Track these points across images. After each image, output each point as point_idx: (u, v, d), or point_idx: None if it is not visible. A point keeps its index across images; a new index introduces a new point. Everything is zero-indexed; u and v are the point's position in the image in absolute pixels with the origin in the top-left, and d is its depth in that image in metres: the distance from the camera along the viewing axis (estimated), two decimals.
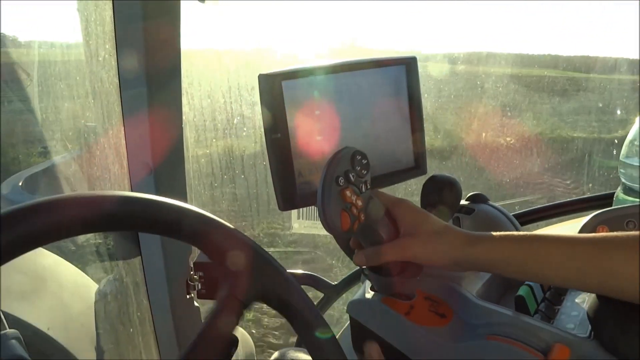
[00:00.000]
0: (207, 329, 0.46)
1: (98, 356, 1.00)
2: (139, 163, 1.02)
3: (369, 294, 0.68)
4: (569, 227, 1.11)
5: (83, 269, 1.10)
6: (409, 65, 0.70)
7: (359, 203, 0.57)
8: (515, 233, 0.59)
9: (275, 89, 0.59)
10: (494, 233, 0.59)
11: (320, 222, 0.57)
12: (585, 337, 0.58)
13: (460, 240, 0.59)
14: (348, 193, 0.56)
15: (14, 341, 0.66)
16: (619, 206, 0.88)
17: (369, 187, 0.60)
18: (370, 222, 0.60)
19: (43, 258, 0.99)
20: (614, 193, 1.17)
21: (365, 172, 0.59)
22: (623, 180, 1.14)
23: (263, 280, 0.48)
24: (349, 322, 0.73)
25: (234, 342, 0.51)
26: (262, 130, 0.63)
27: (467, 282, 0.69)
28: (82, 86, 1.02)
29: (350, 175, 0.56)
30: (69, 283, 1.10)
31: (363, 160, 0.58)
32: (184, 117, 1.04)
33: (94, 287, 1.14)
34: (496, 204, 0.89)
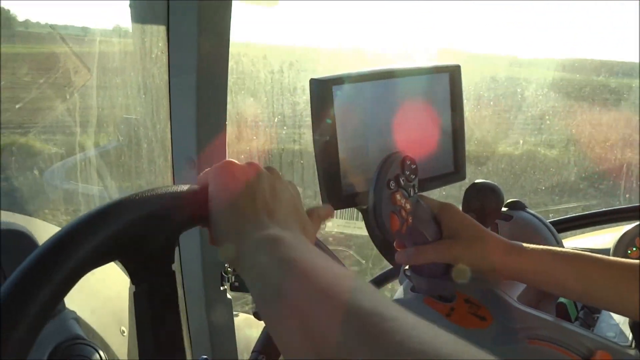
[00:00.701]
0: None
1: (129, 343, 1.03)
2: (184, 158, 1.06)
3: (410, 295, 0.70)
4: (605, 237, 1.10)
5: None
6: (452, 73, 0.72)
7: (408, 206, 0.59)
8: (556, 248, 0.60)
9: (325, 93, 0.61)
10: (535, 246, 0.60)
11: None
12: (627, 346, 0.59)
13: (501, 248, 0.60)
14: (398, 196, 0.58)
15: (72, 320, 0.71)
16: None
17: (416, 191, 0.62)
18: (417, 224, 0.62)
19: None
20: None
21: (414, 176, 0.61)
22: None
23: None
24: None
25: None
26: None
27: (507, 286, 0.70)
28: (135, 81, 1.06)
29: (401, 180, 0.59)
30: (99, 269, 1.13)
31: (412, 165, 0.61)
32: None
33: (124, 274, 1.17)
34: (534, 211, 0.89)
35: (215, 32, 0.95)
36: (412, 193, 0.61)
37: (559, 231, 0.93)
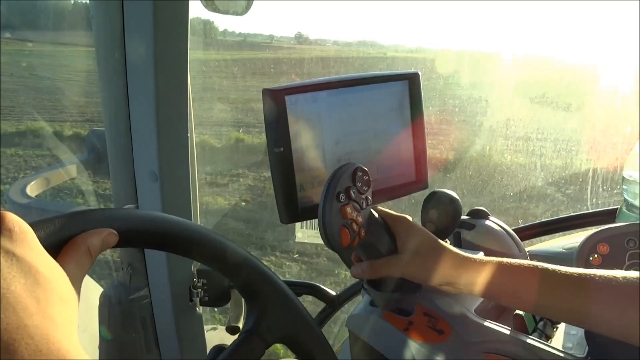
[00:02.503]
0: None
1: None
2: (145, 170, 1.03)
3: (369, 309, 0.69)
4: (570, 242, 1.11)
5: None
6: (411, 80, 0.71)
7: (360, 219, 0.57)
8: (511, 260, 0.59)
9: (278, 103, 0.60)
10: (489, 258, 0.59)
11: None
12: (582, 357, 0.58)
13: (454, 261, 0.59)
14: (349, 210, 0.56)
15: None
16: (620, 224, 0.88)
17: (369, 203, 0.60)
18: (370, 238, 0.60)
19: None
20: (617, 209, 1.17)
21: (367, 188, 0.59)
22: (625, 196, 1.14)
23: (289, 324, 0.51)
24: (347, 336, 0.73)
25: None
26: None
27: (465, 299, 0.69)
28: (92, 92, 1.03)
29: (352, 192, 0.57)
30: None
31: (364, 177, 0.59)
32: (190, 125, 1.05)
33: (97, 290, 1.15)
34: (497, 220, 0.89)
35: (173, 38, 0.93)
36: (364, 205, 0.59)
37: (522, 239, 0.93)
